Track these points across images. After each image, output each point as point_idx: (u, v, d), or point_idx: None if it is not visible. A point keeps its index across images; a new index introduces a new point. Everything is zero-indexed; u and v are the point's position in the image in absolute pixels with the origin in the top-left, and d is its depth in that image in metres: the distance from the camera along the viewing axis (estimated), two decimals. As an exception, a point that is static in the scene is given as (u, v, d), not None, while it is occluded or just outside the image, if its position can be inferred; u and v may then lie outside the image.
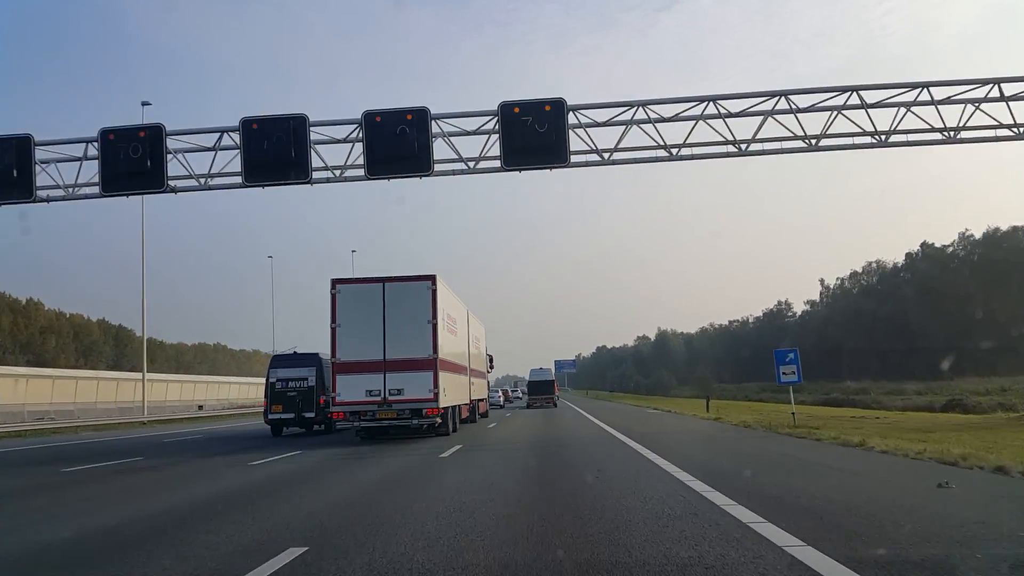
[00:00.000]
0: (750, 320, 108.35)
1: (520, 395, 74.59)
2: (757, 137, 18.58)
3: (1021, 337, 51.45)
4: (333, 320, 18.33)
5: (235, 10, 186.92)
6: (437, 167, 18.45)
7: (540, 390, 48.38)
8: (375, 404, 17.92)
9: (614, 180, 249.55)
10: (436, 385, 17.98)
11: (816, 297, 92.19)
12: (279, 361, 25.33)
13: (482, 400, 30.64)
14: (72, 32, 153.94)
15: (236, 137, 18.36)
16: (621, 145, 18.70)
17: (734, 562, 5.11)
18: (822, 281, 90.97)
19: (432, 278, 18.72)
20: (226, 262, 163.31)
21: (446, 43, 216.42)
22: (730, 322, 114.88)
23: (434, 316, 18.31)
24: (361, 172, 18.47)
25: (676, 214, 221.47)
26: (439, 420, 18.84)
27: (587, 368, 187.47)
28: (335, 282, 18.71)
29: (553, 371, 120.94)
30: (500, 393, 53.59)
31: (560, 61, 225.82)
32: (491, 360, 34.53)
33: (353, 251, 60.76)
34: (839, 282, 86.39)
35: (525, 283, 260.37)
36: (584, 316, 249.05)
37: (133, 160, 18.26)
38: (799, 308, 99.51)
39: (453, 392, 20.40)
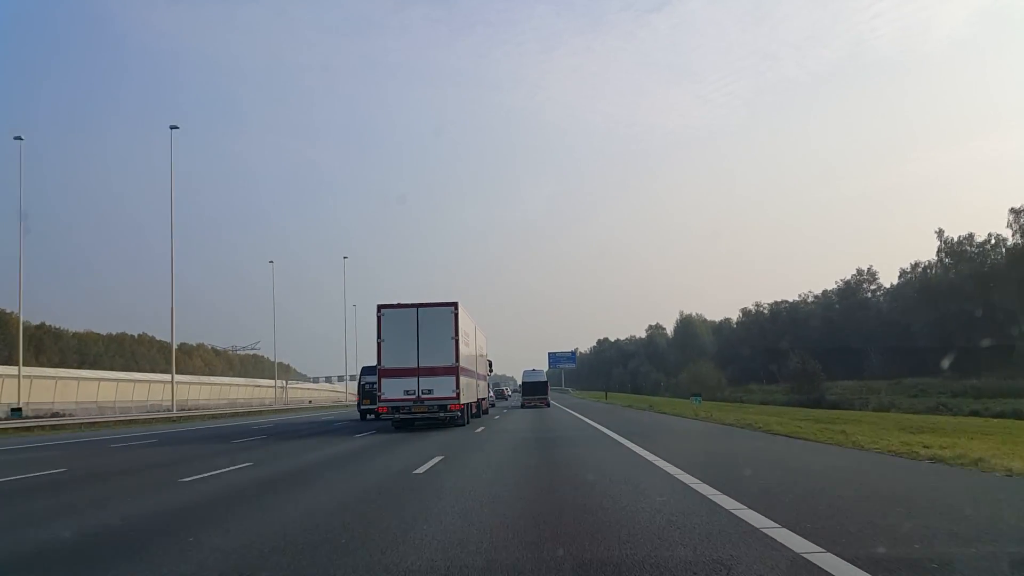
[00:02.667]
0: (809, 298, 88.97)
1: (509, 395, 78.28)
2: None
3: None
4: (379, 336, 22.78)
5: (230, 10, 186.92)
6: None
7: (534, 391, 50.19)
8: (411, 401, 22.52)
9: (614, 172, 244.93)
10: (458, 386, 22.61)
11: (926, 257, 70.80)
12: (368, 370, 33.65)
13: (484, 399, 34.64)
14: (67, 32, 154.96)
15: None
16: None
17: None
18: (940, 232, 67.14)
19: (455, 304, 23.15)
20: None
21: (437, 43, 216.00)
22: (778, 302, 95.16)
23: (456, 333, 22.78)
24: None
25: (676, 200, 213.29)
26: (459, 414, 23.35)
27: (586, 365, 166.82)
28: (380, 307, 23.11)
29: (546, 366, 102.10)
30: (492, 393, 57.03)
31: (551, 62, 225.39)
32: (490, 364, 38.08)
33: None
34: (1012, 222, 59.78)
35: (513, 279, 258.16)
36: (578, 310, 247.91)
37: None
38: (887, 278, 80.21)
39: (468, 392, 25.14)
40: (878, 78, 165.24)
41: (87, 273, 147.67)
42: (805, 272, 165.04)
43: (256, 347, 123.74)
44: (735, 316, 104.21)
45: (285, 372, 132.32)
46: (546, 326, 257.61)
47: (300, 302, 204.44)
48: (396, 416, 22.77)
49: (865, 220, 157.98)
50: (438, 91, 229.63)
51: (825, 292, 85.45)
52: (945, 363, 50.09)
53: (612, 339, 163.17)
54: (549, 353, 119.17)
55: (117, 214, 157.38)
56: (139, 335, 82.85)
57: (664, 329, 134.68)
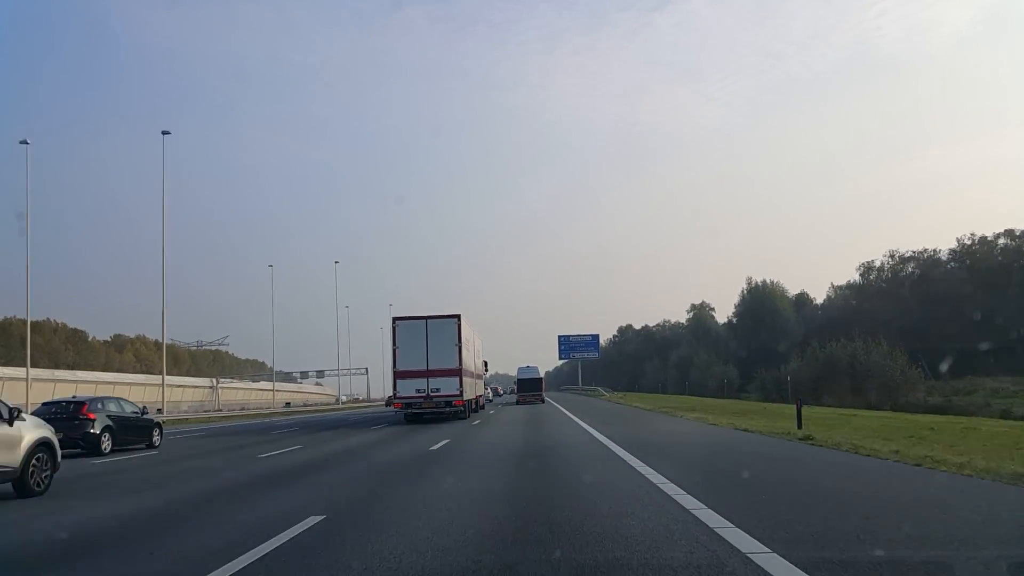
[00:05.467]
0: (941, 252, 67.20)
1: (501, 392, 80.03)
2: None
3: None
4: (394, 343, 27.58)
5: (229, 9, 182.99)
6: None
7: (528, 387, 52.97)
8: (422, 398, 27.23)
9: (617, 170, 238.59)
10: (461, 385, 27.45)
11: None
12: None
13: (481, 395, 40.62)
14: (64, 33, 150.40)
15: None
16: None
17: None
18: None
19: (458, 316, 28.01)
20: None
21: (438, 42, 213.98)
22: (912, 256, 72.25)
23: (459, 340, 27.60)
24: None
25: (680, 197, 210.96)
26: (462, 408, 28.18)
27: (603, 358, 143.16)
28: (395, 319, 28.08)
29: (556, 356, 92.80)
30: (488, 390, 57.58)
31: (553, 61, 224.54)
32: (486, 364, 44.13)
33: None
34: None
35: (515, 278, 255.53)
36: (580, 308, 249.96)
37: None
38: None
39: (469, 389, 30.06)
40: (883, 77, 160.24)
41: (83, 272, 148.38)
42: (810, 270, 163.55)
43: (224, 342, 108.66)
44: (902, 257, 74.89)
45: (260, 369, 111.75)
46: (548, 324, 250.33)
47: (297, 301, 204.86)
48: (409, 411, 27.58)
49: (869, 218, 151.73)
50: (440, 90, 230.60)
51: (1008, 232, 63.44)
52: None
53: (637, 327, 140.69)
54: (559, 337, 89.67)
55: (112, 211, 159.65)
56: (41, 321, 59.65)
57: (712, 310, 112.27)
